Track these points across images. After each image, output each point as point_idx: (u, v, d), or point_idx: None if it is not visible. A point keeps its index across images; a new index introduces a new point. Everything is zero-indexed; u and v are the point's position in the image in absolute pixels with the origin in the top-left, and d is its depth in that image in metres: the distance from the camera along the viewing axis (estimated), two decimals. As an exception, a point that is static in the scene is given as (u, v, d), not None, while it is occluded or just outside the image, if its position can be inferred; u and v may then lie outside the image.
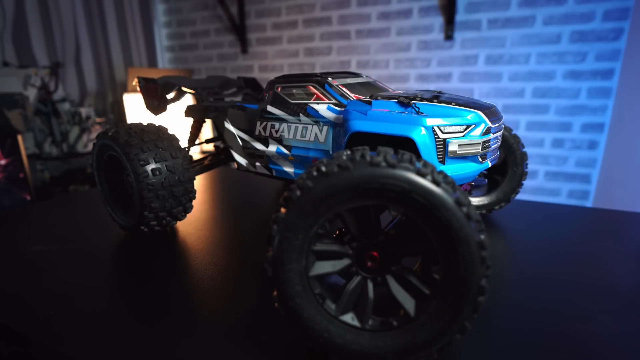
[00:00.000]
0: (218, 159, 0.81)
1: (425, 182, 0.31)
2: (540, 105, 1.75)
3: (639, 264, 0.59)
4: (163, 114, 0.80)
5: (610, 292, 0.50)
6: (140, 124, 0.67)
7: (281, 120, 0.63)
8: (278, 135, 0.63)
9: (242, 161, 0.70)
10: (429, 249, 0.33)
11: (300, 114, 0.60)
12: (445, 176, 0.32)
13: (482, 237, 0.31)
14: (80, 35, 2.21)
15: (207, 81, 0.85)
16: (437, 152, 0.50)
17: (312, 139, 0.60)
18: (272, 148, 0.65)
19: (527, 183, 1.83)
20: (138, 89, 0.80)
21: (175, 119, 1.09)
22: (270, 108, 0.64)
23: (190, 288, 0.52)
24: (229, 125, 0.70)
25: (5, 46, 1.88)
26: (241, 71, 2.45)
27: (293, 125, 0.61)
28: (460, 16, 1.81)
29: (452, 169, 0.51)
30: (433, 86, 1.93)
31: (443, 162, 0.51)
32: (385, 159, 0.32)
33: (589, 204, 1.75)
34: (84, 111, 1.99)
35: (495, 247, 0.64)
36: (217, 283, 0.52)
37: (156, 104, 0.78)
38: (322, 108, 0.58)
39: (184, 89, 0.79)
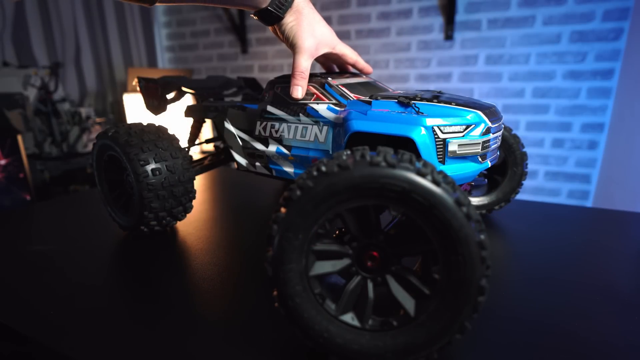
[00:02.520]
0: (218, 159, 0.81)
1: (425, 182, 0.31)
2: (540, 105, 1.75)
3: (639, 264, 0.59)
4: (163, 114, 0.80)
5: (610, 292, 0.50)
6: (140, 124, 0.67)
7: (281, 120, 0.63)
8: (278, 135, 0.63)
9: (242, 161, 0.70)
10: (428, 249, 0.33)
11: (300, 114, 0.60)
12: (445, 176, 0.32)
13: (482, 237, 0.31)
14: (80, 35, 2.21)
15: (207, 81, 0.85)
16: (437, 152, 0.50)
17: (312, 139, 0.60)
18: (272, 148, 0.65)
19: (527, 183, 1.83)
20: (138, 89, 0.80)
21: (175, 119, 1.09)
22: (270, 108, 0.64)
23: (190, 288, 0.52)
24: (228, 125, 0.70)
25: (5, 46, 1.88)
26: (241, 71, 2.45)
27: (293, 125, 0.61)
28: (460, 16, 1.81)
29: (452, 169, 0.51)
30: (433, 86, 1.93)
31: (443, 162, 0.51)
32: (385, 158, 0.32)
33: (589, 204, 1.75)
34: (84, 111, 1.99)
35: (495, 247, 0.64)
36: (217, 283, 0.53)
37: (156, 104, 0.78)
38: (322, 108, 0.58)
39: (184, 89, 0.79)
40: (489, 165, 0.54)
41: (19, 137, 1.60)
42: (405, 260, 0.36)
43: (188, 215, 0.73)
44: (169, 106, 0.80)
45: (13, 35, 1.91)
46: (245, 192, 0.99)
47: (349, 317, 0.36)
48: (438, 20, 1.87)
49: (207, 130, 1.98)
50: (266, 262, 0.35)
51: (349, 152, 0.34)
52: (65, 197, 0.98)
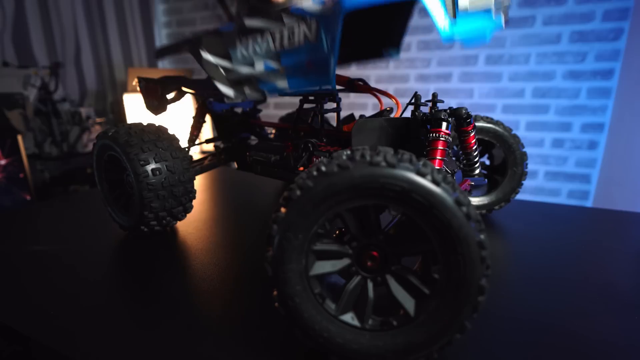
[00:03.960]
0: (218, 159, 0.81)
1: (425, 182, 0.31)
2: (540, 105, 1.75)
3: (639, 264, 0.59)
4: (163, 114, 0.80)
5: (610, 291, 0.50)
6: (140, 124, 0.67)
7: (263, 30, 0.55)
8: (263, 50, 0.56)
9: (229, 92, 0.64)
10: (428, 249, 0.33)
11: (284, 17, 0.53)
12: (444, 176, 0.32)
13: (482, 236, 0.31)
14: (80, 35, 2.21)
15: (207, 81, 0.85)
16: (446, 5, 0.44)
17: (302, 41, 0.53)
18: (259, 66, 0.57)
19: (527, 183, 1.83)
20: (138, 89, 0.80)
21: (175, 119, 1.09)
22: (248, 22, 0.56)
23: (190, 288, 0.52)
24: (207, 56, 0.63)
25: (5, 46, 1.88)
26: (241, 71, 2.44)
27: (278, 33, 0.54)
28: (460, 16, 1.81)
29: (463, 24, 0.46)
30: (433, 87, 1.93)
31: (454, 17, 0.45)
32: (385, 158, 0.32)
33: (589, 204, 1.75)
34: (84, 111, 1.99)
35: (495, 247, 0.64)
36: (217, 283, 0.53)
37: (156, 104, 0.78)
38: (307, 3, 0.51)
39: (184, 89, 0.79)
40: (502, 24, 0.48)
41: (19, 137, 1.60)
42: (405, 260, 0.36)
43: (188, 215, 0.73)
44: (169, 106, 0.80)
45: (13, 35, 1.91)
46: (245, 192, 0.99)
47: (349, 317, 0.36)
48: (438, 20, 1.86)
49: (207, 130, 1.98)
50: (266, 262, 0.35)
51: (348, 152, 0.34)
52: (65, 197, 0.98)
